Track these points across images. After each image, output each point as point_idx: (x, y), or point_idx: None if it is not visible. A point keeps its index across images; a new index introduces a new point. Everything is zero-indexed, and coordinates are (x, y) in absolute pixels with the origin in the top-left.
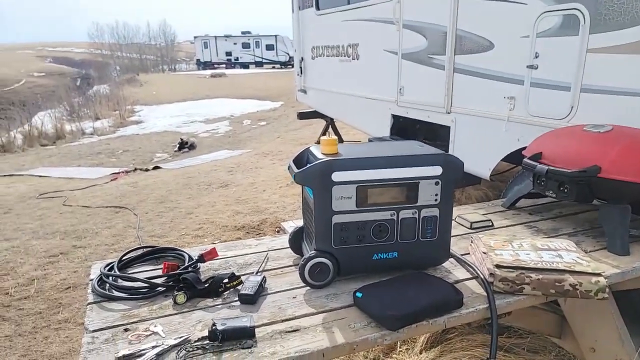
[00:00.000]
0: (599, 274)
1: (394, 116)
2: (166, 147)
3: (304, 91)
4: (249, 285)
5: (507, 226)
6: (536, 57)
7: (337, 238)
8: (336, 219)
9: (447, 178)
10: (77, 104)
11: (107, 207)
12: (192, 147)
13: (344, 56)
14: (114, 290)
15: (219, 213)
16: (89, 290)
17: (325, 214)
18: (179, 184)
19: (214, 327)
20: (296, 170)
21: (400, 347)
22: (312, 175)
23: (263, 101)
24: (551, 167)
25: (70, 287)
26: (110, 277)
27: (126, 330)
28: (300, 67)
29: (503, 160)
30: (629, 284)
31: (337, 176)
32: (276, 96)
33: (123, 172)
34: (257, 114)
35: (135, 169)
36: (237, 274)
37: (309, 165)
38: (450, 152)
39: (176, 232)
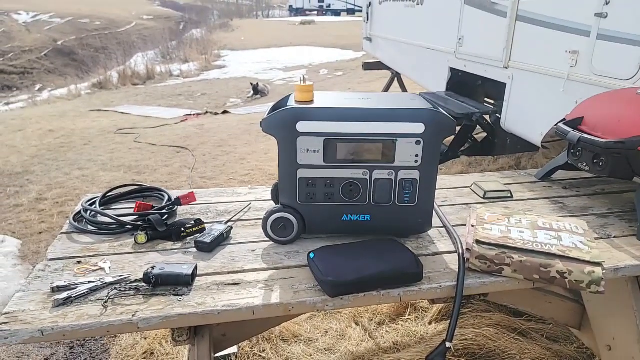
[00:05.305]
0: (597, 264)
1: (451, 70)
2: (241, 93)
3: (369, 39)
4: (209, 233)
5: (527, 199)
6: (607, 3)
7: (303, 194)
8: (301, 173)
9: (431, 137)
10: (170, 47)
11: (170, 146)
12: (263, 94)
13: (410, 0)
14: (88, 225)
15: (270, 161)
16: (67, 221)
17: (290, 167)
18: (240, 129)
19: (149, 270)
20: (265, 117)
21: (409, 315)
22: (276, 123)
23: (345, 50)
24: (584, 135)
25: None
26: (88, 212)
27: (79, 262)
28: (367, 13)
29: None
30: None
31: (302, 126)
32: (360, 46)
33: (194, 115)
34: (335, 63)
35: (206, 112)
36: (213, 220)
37: (274, 112)
38: (503, 113)
39: (225, 176)
